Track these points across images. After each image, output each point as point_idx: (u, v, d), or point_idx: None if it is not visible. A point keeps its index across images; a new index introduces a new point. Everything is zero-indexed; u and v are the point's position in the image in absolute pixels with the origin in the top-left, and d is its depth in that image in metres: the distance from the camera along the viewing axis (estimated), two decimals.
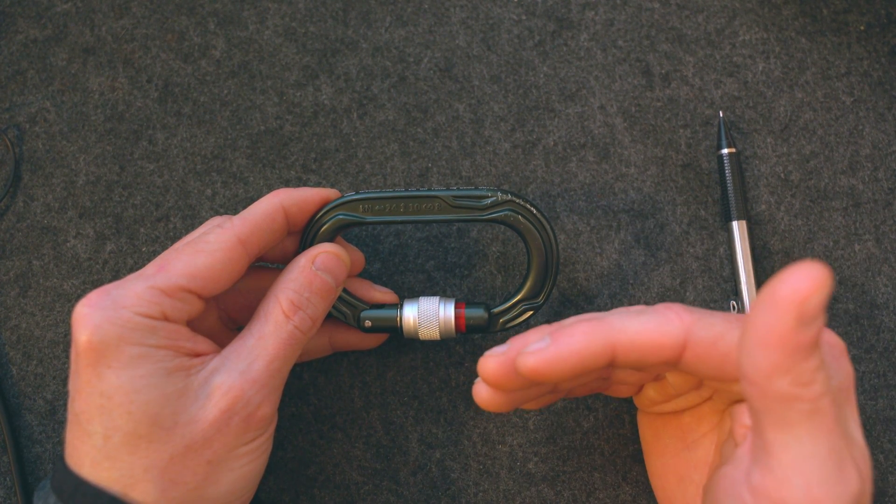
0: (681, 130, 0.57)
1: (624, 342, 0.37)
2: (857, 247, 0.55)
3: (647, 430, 0.48)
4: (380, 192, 0.49)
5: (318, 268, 0.46)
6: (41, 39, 0.59)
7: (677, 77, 0.58)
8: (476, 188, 0.49)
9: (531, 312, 0.49)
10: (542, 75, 0.58)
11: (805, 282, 0.31)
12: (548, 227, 0.48)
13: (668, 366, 0.39)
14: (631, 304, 0.55)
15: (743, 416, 0.39)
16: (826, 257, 0.55)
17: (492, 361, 0.39)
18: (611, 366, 0.39)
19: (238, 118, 0.58)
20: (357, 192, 0.49)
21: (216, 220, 0.47)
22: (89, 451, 0.40)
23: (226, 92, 0.58)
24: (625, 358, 0.38)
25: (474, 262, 0.56)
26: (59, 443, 0.54)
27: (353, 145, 0.57)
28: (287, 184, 0.57)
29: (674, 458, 0.45)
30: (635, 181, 0.56)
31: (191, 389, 0.41)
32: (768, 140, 0.56)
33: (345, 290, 0.50)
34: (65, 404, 0.54)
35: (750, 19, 0.58)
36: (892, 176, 0.56)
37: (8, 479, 0.54)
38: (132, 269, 0.56)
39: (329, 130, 0.58)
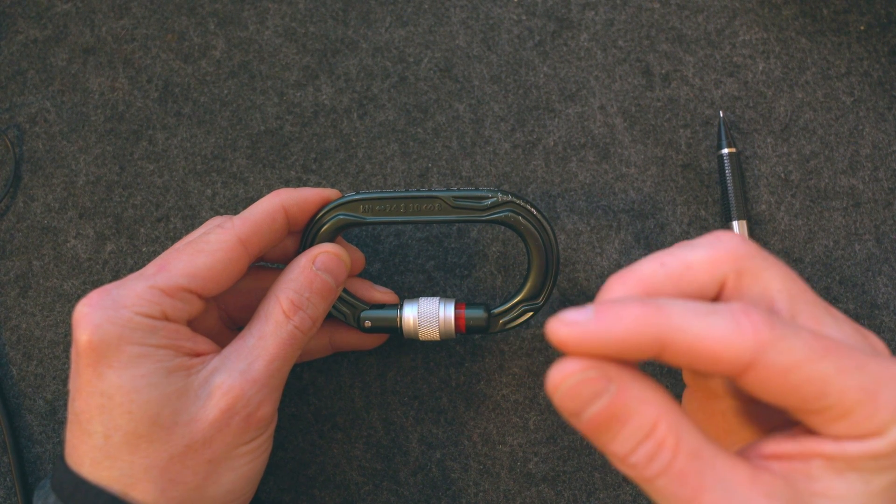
0: (681, 130, 0.57)
1: (679, 343, 0.31)
2: (857, 247, 0.55)
3: (695, 410, 0.41)
4: (380, 192, 0.49)
5: (318, 268, 0.46)
6: (41, 39, 0.59)
7: (677, 77, 0.58)
8: (476, 189, 0.49)
9: (531, 313, 0.49)
10: (542, 75, 0.58)
11: (553, 390, 0.31)
12: (548, 227, 0.48)
13: (723, 376, 0.33)
14: None
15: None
16: (826, 257, 0.55)
17: (563, 331, 0.32)
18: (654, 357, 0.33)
19: (238, 118, 0.58)
20: (357, 193, 0.49)
21: (216, 220, 0.47)
22: (89, 451, 0.40)
23: (226, 92, 0.58)
24: (674, 359, 0.32)
25: (474, 263, 0.56)
26: (60, 443, 0.54)
27: (354, 145, 0.57)
28: (287, 184, 0.57)
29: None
30: (635, 181, 0.56)
31: (191, 389, 0.41)
32: (768, 140, 0.56)
33: (345, 291, 0.50)
34: (65, 404, 0.54)
35: (750, 19, 0.58)
36: (893, 176, 0.56)
37: (8, 479, 0.54)
38: (132, 270, 0.56)
39: (329, 130, 0.58)
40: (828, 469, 0.32)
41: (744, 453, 0.34)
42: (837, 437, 0.32)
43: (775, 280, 0.34)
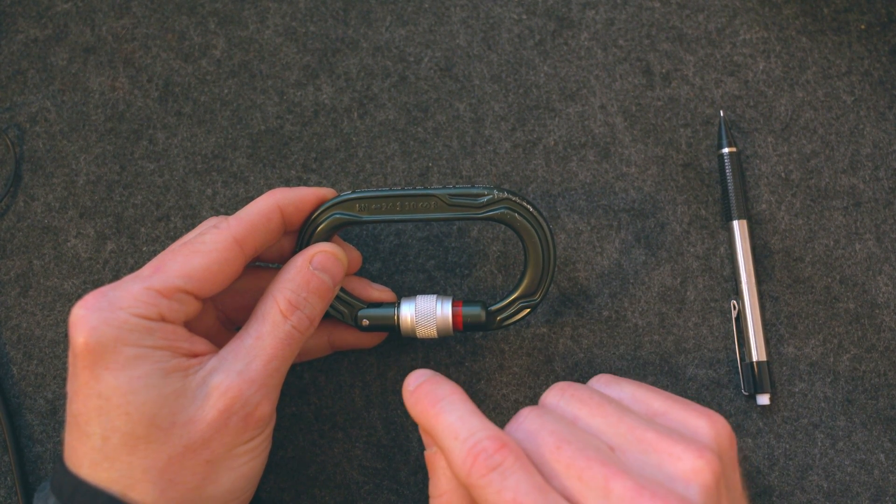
0: (681, 130, 0.57)
1: (431, 435, 0.41)
2: (857, 246, 0.55)
3: None
4: (376, 190, 0.49)
5: (315, 267, 0.46)
6: (42, 39, 0.59)
7: (678, 76, 0.57)
8: (472, 186, 0.49)
9: (528, 310, 0.49)
10: (542, 75, 0.58)
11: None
12: (545, 224, 0.48)
13: None
14: (631, 303, 0.55)
15: None
16: (826, 256, 0.55)
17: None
18: None
19: (238, 118, 0.58)
20: (353, 191, 0.49)
21: (212, 220, 0.47)
22: (88, 452, 0.40)
23: (226, 91, 0.58)
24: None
25: (474, 262, 0.56)
26: (60, 442, 0.54)
27: (354, 145, 0.57)
28: (287, 183, 0.57)
29: None
30: (636, 180, 0.56)
31: (189, 390, 0.41)
32: (769, 139, 0.56)
33: (342, 290, 0.50)
34: (65, 404, 0.55)
35: (750, 18, 0.58)
36: (893, 175, 0.56)
37: (8, 478, 0.54)
38: (133, 269, 0.56)
39: (329, 130, 0.58)
40: None
41: None
42: None
43: None
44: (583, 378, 0.54)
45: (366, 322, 0.50)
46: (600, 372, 0.54)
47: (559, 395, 0.42)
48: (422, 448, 0.53)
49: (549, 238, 0.48)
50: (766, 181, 0.56)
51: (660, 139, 0.57)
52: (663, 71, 0.58)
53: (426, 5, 0.59)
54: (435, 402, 0.40)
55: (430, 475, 0.43)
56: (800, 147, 0.56)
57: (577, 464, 0.37)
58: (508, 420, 0.41)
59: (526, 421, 0.40)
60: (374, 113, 0.58)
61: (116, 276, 0.56)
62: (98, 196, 0.57)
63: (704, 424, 0.40)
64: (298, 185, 0.55)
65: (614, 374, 0.54)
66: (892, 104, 0.57)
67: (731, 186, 0.55)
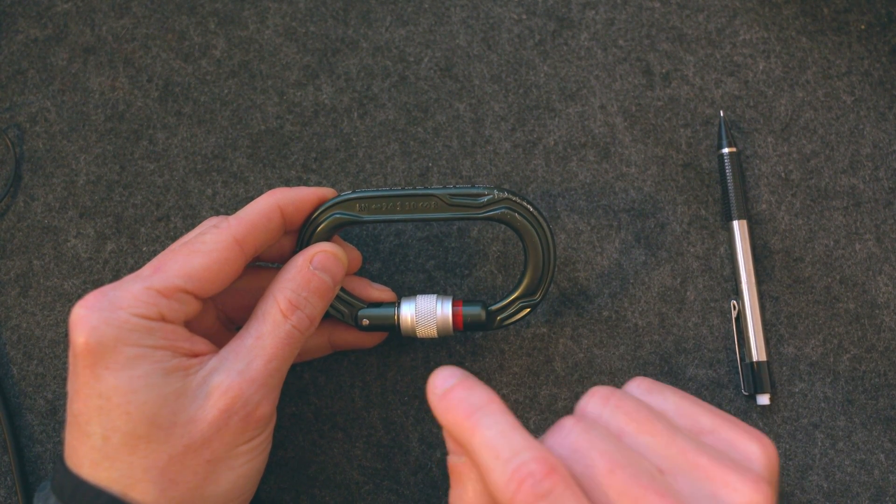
0: (681, 130, 0.57)
1: (468, 453, 0.38)
2: (857, 246, 0.55)
3: None
4: (376, 190, 0.49)
5: (315, 267, 0.46)
6: (41, 39, 0.59)
7: (678, 76, 0.57)
8: (472, 186, 0.49)
9: (528, 310, 0.49)
10: (542, 75, 0.58)
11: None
12: (545, 224, 0.48)
13: None
14: (631, 303, 0.55)
15: None
16: (826, 257, 0.55)
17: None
18: None
19: (238, 118, 0.58)
20: (353, 191, 0.49)
21: (212, 220, 0.47)
22: (88, 452, 0.40)
23: (226, 91, 0.58)
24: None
25: (475, 262, 0.56)
26: (60, 442, 0.54)
27: (354, 145, 0.57)
28: (287, 183, 0.57)
29: None
30: (636, 181, 0.56)
31: (189, 389, 0.41)
32: (769, 139, 0.56)
33: (342, 289, 0.50)
34: (65, 404, 0.55)
35: (750, 18, 0.58)
36: (893, 175, 0.56)
37: (9, 478, 0.54)
38: (133, 269, 0.56)
39: (329, 130, 0.58)
40: None
41: None
42: None
43: None
44: (583, 378, 0.54)
45: (366, 322, 0.50)
46: (600, 372, 0.54)
47: (602, 404, 0.39)
48: (422, 448, 0.53)
49: (550, 238, 0.48)
50: (766, 181, 0.56)
51: (660, 139, 0.57)
52: (663, 71, 0.58)
53: (426, 5, 0.59)
54: (470, 413, 0.37)
55: (454, 484, 0.40)
56: (800, 147, 0.56)
57: (632, 492, 0.35)
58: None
59: (571, 435, 0.37)
60: (374, 113, 0.58)
61: (116, 276, 0.56)
62: (98, 196, 0.57)
63: (756, 450, 0.38)
64: (298, 185, 0.56)
65: (614, 374, 0.54)
66: (892, 104, 0.57)
67: (731, 186, 0.55)
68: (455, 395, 0.38)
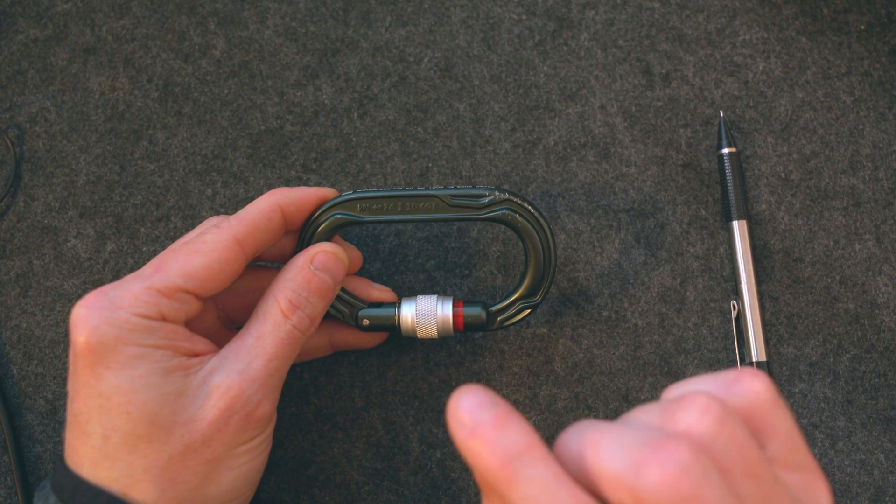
0: (681, 130, 0.57)
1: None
2: (857, 246, 0.55)
3: None
4: (377, 191, 0.49)
5: (316, 267, 0.46)
6: (41, 39, 0.59)
7: (678, 77, 0.58)
8: (474, 187, 0.49)
9: (529, 311, 0.49)
10: (542, 75, 0.58)
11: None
12: (545, 225, 0.48)
13: None
14: (631, 303, 0.55)
15: None
16: (826, 257, 0.55)
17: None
18: None
19: (238, 118, 0.58)
20: (354, 192, 0.49)
21: (213, 220, 0.47)
22: (88, 452, 0.40)
23: (226, 92, 0.58)
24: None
25: (475, 262, 0.56)
26: (60, 442, 0.54)
27: (354, 145, 0.57)
28: (287, 183, 0.57)
29: None
30: (635, 181, 0.56)
31: (189, 389, 0.41)
32: (769, 139, 0.56)
33: (343, 289, 0.50)
34: (65, 404, 0.55)
35: (750, 19, 0.58)
36: (893, 175, 0.56)
37: (8, 478, 0.54)
38: (133, 269, 0.56)
39: (329, 130, 0.58)
40: None
41: None
42: None
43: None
44: (583, 378, 0.54)
45: (366, 322, 0.50)
46: (600, 372, 0.54)
47: (717, 427, 0.31)
48: (422, 448, 0.53)
49: (550, 239, 0.48)
50: (766, 181, 0.56)
51: (660, 139, 0.57)
52: (663, 71, 0.58)
53: (426, 5, 0.59)
54: (507, 461, 0.31)
55: None
56: (800, 147, 0.56)
57: None
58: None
59: (680, 472, 0.29)
60: (374, 113, 0.58)
61: (116, 276, 0.56)
62: (98, 196, 0.57)
63: (824, 495, 0.34)
64: (299, 185, 0.56)
65: (614, 374, 0.54)
66: (892, 104, 0.57)
67: (730, 187, 0.55)
68: (487, 436, 0.32)
